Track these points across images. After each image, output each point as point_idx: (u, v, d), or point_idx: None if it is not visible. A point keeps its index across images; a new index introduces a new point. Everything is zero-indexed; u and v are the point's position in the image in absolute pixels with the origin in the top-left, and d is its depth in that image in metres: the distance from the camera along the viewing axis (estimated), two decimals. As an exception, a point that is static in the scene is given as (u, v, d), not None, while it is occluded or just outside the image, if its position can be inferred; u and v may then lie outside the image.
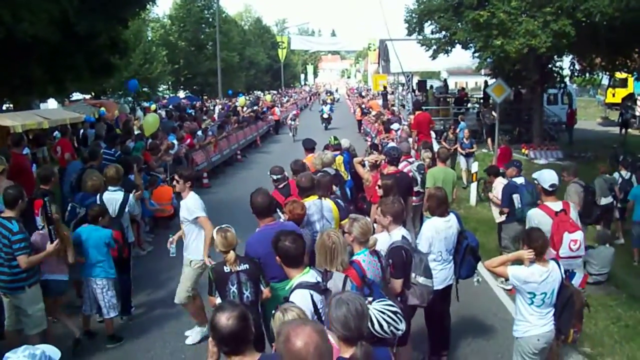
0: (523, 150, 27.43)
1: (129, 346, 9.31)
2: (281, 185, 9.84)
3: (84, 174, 11.46)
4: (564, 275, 6.75)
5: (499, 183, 12.46)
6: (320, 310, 5.30)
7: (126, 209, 10.37)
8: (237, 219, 11.79)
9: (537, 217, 8.69)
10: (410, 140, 17.86)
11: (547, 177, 8.94)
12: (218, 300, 6.52)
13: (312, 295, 5.30)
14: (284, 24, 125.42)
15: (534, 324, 6.62)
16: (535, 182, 9.21)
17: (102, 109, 30.28)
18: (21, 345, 7.73)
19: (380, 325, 4.96)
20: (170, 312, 10.35)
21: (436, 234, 7.80)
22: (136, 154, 15.60)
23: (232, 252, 6.75)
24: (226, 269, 6.70)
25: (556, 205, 8.68)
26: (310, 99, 78.79)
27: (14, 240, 7.73)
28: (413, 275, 6.92)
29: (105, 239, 9.14)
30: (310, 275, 5.60)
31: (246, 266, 6.78)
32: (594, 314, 9.53)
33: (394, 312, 5.06)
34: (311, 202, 8.38)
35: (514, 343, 6.99)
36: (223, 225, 7.08)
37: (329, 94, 66.39)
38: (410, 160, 12.91)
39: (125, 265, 10.27)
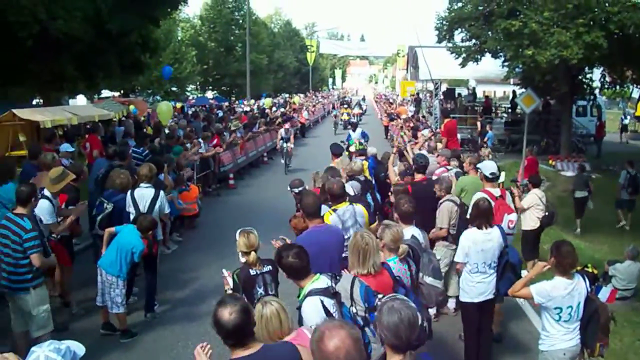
0: (550, 162, 27.22)
1: (152, 344, 9.35)
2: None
3: (111, 171, 11.53)
4: (589, 289, 6.70)
5: (533, 193, 12.38)
6: (334, 314, 5.30)
7: (156, 206, 10.48)
8: (261, 220, 11.87)
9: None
10: (440, 146, 17.73)
11: (489, 166, 10.22)
12: None
13: (322, 301, 5.29)
14: (314, 27, 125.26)
15: (560, 338, 6.57)
16: (479, 170, 10.33)
17: (132, 106, 30.45)
18: (28, 346, 7.87)
19: None
20: (193, 311, 10.39)
21: (473, 244, 7.76)
22: (175, 157, 15.68)
23: (253, 253, 6.76)
24: (252, 271, 6.72)
25: (496, 191, 9.84)
26: (334, 106, 68.80)
27: (26, 239, 7.70)
28: (420, 274, 6.90)
29: (135, 249, 9.27)
30: (321, 281, 5.58)
31: (269, 267, 6.84)
32: (620, 329, 9.40)
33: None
34: (345, 208, 8.33)
35: (539, 356, 6.92)
36: (246, 227, 7.07)
37: (350, 109, 51.41)
38: (449, 167, 12.81)
39: (152, 263, 10.40)
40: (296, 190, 9.64)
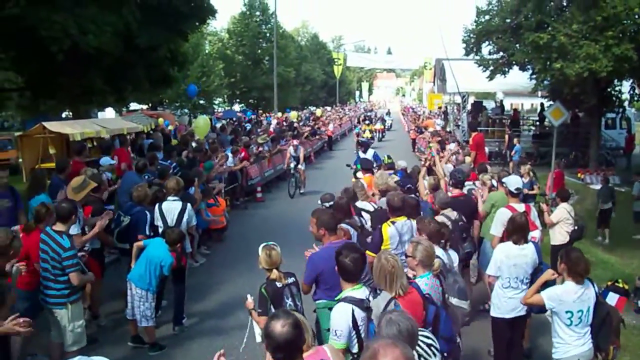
0: (579, 175, 26.97)
1: (180, 358, 9.38)
2: None
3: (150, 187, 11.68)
4: (598, 292, 6.79)
5: (562, 208, 12.25)
6: (360, 327, 5.34)
7: (184, 219, 10.53)
8: (288, 233, 11.88)
9: (506, 215, 8.85)
10: (468, 160, 17.61)
11: (513, 182, 10.20)
12: None
13: (353, 311, 5.31)
14: (340, 40, 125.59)
15: (572, 344, 6.61)
16: (503, 185, 10.36)
17: (161, 119, 30.68)
18: (62, 358, 7.91)
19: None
20: (221, 325, 10.42)
21: (506, 259, 7.70)
22: (206, 173, 15.75)
23: (275, 270, 6.82)
24: (278, 284, 6.76)
25: (520, 207, 9.72)
26: (358, 121, 64.90)
27: (65, 257, 7.75)
28: (446, 295, 6.85)
29: (163, 263, 9.32)
30: (361, 292, 5.62)
31: (293, 279, 6.95)
32: None
33: (428, 345, 4.99)
34: (403, 222, 8.37)
35: None
36: (270, 242, 7.13)
37: (372, 124, 47.00)
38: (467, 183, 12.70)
39: (180, 276, 10.44)
40: (327, 204, 9.62)
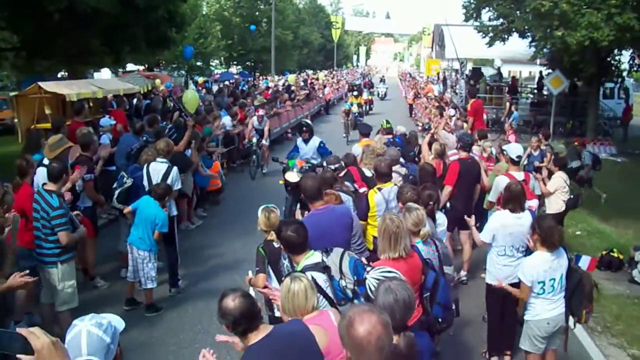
0: (576, 144, 26.92)
1: (176, 320, 9.43)
2: (341, 174, 9.70)
3: (146, 147, 11.63)
4: (570, 257, 6.99)
5: (558, 176, 12.18)
6: (326, 290, 5.36)
7: (168, 181, 10.42)
8: (283, 198, 11.84)
9: (504, 183, 8.87)
10: (466, 126, 17.57)
11: (514, 150, 10.27)
12: (266, 279, 6.54)
13: (313, 277, 5.25)
14: (339, 4, 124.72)
15: (543, 308, 6.76)
16: (504, 153, 10.50)
17: (157, 80, 30.46)
18: (54, 319, 7.92)
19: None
20: (217, 287, 10.31)
21: (501, 227, 7.68)
22: (207, 137, 15.71)
23: (272, 232, 6.80)
24: (276, 245, 6.71)
25: (519, 175, 9.90)
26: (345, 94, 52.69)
27: (53, 216, 7.78)
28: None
29: (157, 220, 9.36)
30: (314, 257, 5.61)
31: None
32: None
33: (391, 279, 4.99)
34: (390, 189, 8.31)
35: (524, 325, 7.09)
36: (269, 205, 7.19)
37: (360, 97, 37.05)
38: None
39: (170, 238, 10.40)
40: (332, 167, 9.58)
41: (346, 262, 5.66)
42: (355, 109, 31.49)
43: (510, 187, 7.91)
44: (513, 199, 7.71)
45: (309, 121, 16.31)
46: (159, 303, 9.79)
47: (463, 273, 10.90)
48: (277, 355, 4.17)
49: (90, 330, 3.18)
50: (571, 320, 7.05)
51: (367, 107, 39.53)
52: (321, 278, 5.37)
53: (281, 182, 11.24)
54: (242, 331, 4.21)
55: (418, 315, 5.36)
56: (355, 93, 36.18)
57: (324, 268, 5.50)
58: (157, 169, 10.58)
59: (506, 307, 8.02)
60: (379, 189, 8.31)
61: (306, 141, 13.90)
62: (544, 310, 6.73)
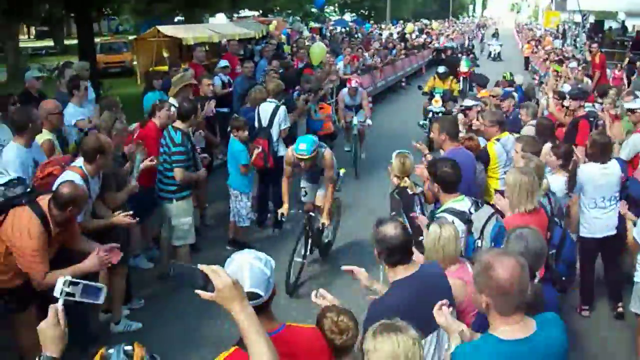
0: None
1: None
2: None
3: (251, 89, 11.78)
4: None
5: None
6: (461, 239, 5.15)
7: (275, 120, 10.59)
8: (393, 145, 11.53)
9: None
10: (589, 82, 16.79)
11: None
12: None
13: (453, 222, 5.16)
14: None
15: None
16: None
17: (271, 26, 30.52)
18: (172, 253, 8.26)
19: None
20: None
21: (591, 180, 7.49)
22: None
23: (406, 178, 6.88)
24: (409, 191, 6.84)
25: None
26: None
27: (173, 152, 8.08)
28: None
29: (236, 153, 9.58)
30: (462, 204, 5.57)
31: (421, 189, 7.06)
32: None
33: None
34: (506, 138, 8.30)
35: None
36: (404, 150, 7.16)
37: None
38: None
39: (267, 176, 10.62)
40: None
41: (490, 225, 5.56)
42: (436, 104, 16.19)
43: (595, 138, 7.73)
44: (600, 150, 7.53)
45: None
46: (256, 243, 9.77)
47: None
48: (421, 295, 4.03)
49: (252, 263, 3.19)
50: None
51: (467, 86, 23.23)
52: (460, 227, 5.25)
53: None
54: (394, 262, 4.13)
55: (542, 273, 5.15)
56: (441, 70, 18.26)
57: (468, 220, 5.45)
58: (266, 108, 10.73)
59: (607, 262, 8.06)
60: (497, 140, 8.24)
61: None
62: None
